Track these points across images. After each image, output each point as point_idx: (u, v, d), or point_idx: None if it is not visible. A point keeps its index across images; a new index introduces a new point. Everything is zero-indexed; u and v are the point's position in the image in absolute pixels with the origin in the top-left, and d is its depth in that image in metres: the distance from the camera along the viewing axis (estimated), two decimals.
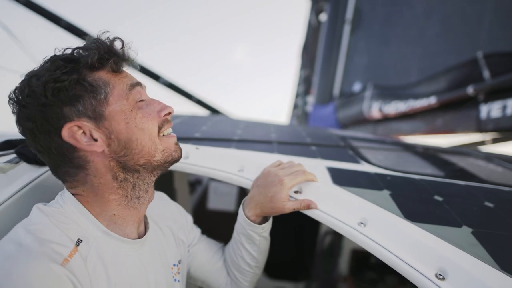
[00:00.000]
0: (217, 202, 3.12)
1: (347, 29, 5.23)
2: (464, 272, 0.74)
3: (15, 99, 0.75)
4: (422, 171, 1.29)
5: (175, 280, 0.99)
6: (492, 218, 0.97)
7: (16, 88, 0.76)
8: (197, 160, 1.12)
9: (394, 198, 1.01)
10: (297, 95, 8.06)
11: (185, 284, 1.09)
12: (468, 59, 2.95)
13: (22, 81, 0.76)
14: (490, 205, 1.04)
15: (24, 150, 0.97)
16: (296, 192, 1.03)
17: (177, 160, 0.88)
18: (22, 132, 0.78)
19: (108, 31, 0.80)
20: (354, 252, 3.00)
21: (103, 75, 0.78)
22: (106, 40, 0.79)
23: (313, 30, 6.69)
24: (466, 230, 0.88)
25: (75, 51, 0.78)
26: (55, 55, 0.77)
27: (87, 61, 0.75)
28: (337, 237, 2.96)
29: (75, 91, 0.74)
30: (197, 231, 1.20)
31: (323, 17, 6.15)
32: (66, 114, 0.74)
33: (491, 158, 1.73)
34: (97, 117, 0.76)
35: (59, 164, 0.78)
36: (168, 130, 0.87)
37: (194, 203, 3.03)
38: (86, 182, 0.79)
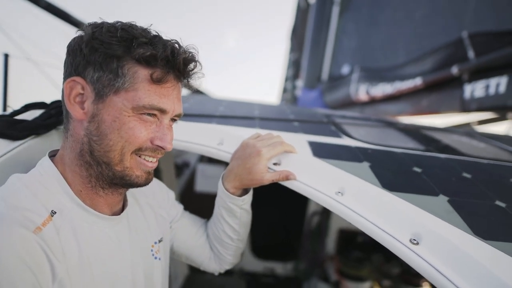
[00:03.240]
0: (205, 184, 3.12)
1: (335, 10, 5.19)
2: (438, 237, 0.75)
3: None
4: (403, 145, 1.30)
5: (155, 258, 0.99)
6: (468, 188, 0.98)
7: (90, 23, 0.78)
8: (175, 134, 1.11)
9: (373, 169, 1.01)
10: (287, 79, 8.04)
11: (168, 261, 1.09)
12: (453, 39, 2.94)
13: (95, 22, 0.77)
14: (468, 175, 1.05)
15: None
16: (275, 164, 1.02)
17: (135, 185, 0.83)
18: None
19: (193, 47, 0.80)
20: (341, 231, 3.05)
21: (140, 71, 0.75)
22: (181, 51, 0.77)
23: (302, 13, 6.64)
24: (442, 199, 0.89)
25: (142, 36, 0.75)
26: (130, 25, 0.76)
27: (136, 53, 0.73)
28: (324, 217, 3.00)
29: (103, 62, 0.74)
30: (179, 207, 1.20)
31: None
32: (84, 70, 0.75)
33: (473, 134, 1.75)
34: (99, 95, 0.75)
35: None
36: (148, 158, 0.83)
37: (182, 186, 3.03)
38: (66, 138, 0.81)
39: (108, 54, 0.73)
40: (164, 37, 0.78)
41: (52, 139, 1.04)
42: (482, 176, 1.06)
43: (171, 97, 0.80)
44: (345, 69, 4.99)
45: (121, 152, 0.78)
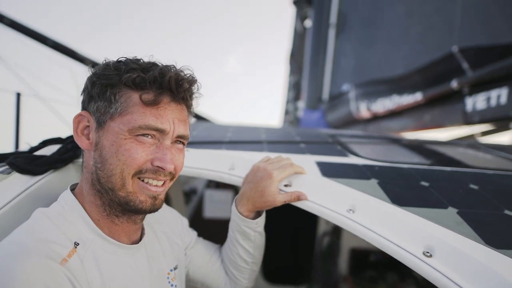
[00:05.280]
0: (213, 210, 3.11)
1: (332, 33, 5.32)
2: (451, 248, 0.76)
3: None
4: (409, 160, 1.32)
5: (172, 285, 1.00)
6: (476, 199, 1.00)
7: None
8: (187, 161, 1.14)
9: (381, 186, 1.03)
10: (288, 101, 8.14)
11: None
12: (444, 54, 3.00)
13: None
14: (475, 187, 1.07)
15: (16, 161, 0.98)
16: (286, 185, 1.05)
17: (141, 210, 0.83)
18: None
19: (188, 68, 0.84)
20: (353, 251, 3.00)
21: (133, 96, 0.79)
22: (171, 71, 0.80)
23: (299, 37, 6.80)
24: (451, 211, 0.91)
25: (133, 63, 0.81)
26: (127, 58, 0.83)
27: (124, 77, 0.78)
28: (335, 237, 2.96)
29: (100, 93, 0.80)
30: (193, 233, 1.21)
31: (308, 23, 6.26)
32: (89, 104, 0.82)
33: (478, 146, 1.77)
34: (99, 123, 0.81)
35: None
36: (151, 180, 0.82)
37: (190, 213, 3.03)
38: (82, 171, 0.86)
39: (103, 84, 0.79)
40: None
41: (70, 173, 1.08)
42: (489, 187, 1.08)
43: (168, 117, 0.81)
44: (345, 88, 5.07)
45: (122, 176, 0.79)
